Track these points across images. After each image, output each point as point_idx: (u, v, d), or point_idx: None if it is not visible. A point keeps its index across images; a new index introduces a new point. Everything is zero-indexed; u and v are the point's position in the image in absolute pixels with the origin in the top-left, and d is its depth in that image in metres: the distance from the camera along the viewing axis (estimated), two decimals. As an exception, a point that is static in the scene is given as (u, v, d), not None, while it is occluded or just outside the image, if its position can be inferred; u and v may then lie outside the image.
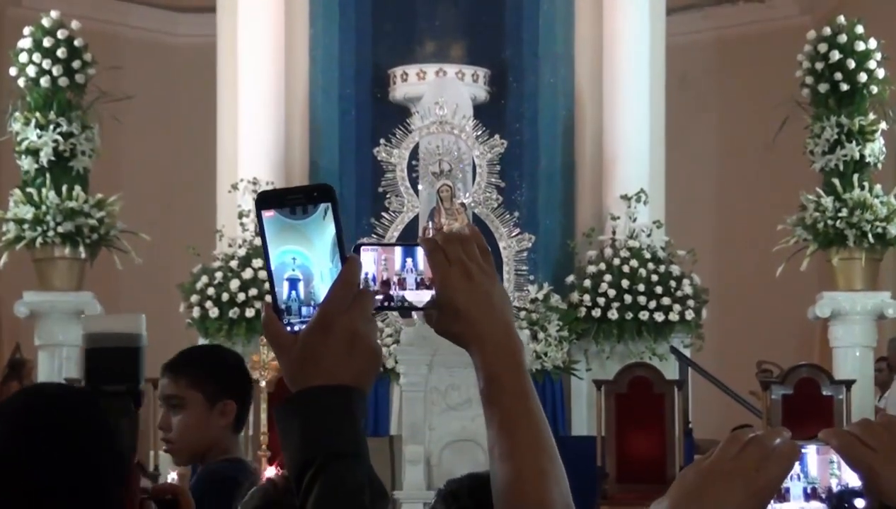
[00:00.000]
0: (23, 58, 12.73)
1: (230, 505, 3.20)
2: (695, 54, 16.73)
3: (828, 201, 12.73)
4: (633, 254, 13.24)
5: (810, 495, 1.65)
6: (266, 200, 1.78)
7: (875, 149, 12.92)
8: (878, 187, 12.86)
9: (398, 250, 1.86)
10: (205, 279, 13.00)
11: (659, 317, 13.00)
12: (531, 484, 1.78)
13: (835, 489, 1.66)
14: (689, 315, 13.17)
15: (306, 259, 1.77)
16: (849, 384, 11.69)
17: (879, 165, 13.07)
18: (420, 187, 12.30)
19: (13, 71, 12.82)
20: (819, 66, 12.96)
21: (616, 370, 12.12)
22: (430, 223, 12.03)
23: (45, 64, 12.67)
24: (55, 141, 12.62)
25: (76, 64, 12.74)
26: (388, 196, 12.36)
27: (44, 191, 12.60)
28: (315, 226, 1.76)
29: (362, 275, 1.83)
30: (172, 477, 4.00)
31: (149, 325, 2.12)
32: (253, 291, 12.67)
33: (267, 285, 1.80)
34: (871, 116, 12.97)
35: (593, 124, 14.08)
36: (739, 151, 16.61)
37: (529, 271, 12.70)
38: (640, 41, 13.86)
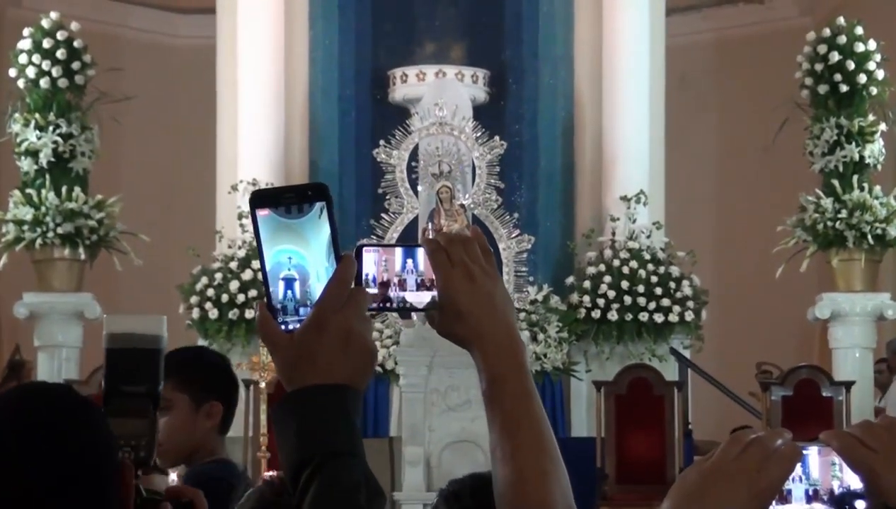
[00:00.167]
0: (22, 59, 12.73)
1: (225, 507, 3.19)
2: (694, 55, 16.72)
3: (827, 202, 12.73)
4: (633, 256, 13.23)
5: (812, 497, 1.65)
6: (261, 199, 1.78)
7: (874, 150, 12.92)
8: (877, 188, 12.86)
9: (399, 251, 1.86)
10: (204, 280, 13.00)
11: (658, 318, 13.00)
12: (533, 484, 1.78)
13: (836, 490, 1.66)
14: (689, 316, 13.16)
15: (302, 258, 1.77)
16: (848, 385, 11.69)
17: (879, 166, 13.07)
18: (420, 188, 12.30)
19: (13, 72, 12.82)
20: (819, 67, 12.96)
21: (616, 371, 12.12)
22: (430, 224, 12.03)
23: (45, 65, 12.67)
24: (55, 142, 12.62)
25: (76, 65, 12.75)
26: (387, 197, 12.36)
27: (43, 192, 12.60)
28: (311, 226, 1.76)
29: (363, 276, 1.83)
30: (172, 478, 3.98)
31: (149, 326, 2.12)
32: (253, 292, 12.67)
33: None
34: (871, 118, 12.97)
35: (593, 125, 14.07)
36: (739, 152, 16.60)
37: (529, 272, 12.69)
38: (640, 42, 13.86)
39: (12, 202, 12.70)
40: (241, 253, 12.94)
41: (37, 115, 12.67)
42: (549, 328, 12.90)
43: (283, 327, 1.77)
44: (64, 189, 12.59)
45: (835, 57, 12.89)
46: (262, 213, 1.77)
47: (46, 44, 12.70)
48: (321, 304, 1.76)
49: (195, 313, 12.91)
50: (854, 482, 1.68)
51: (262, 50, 13.82)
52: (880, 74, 12.97)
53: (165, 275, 14.14)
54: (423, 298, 1.85)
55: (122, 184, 14.28)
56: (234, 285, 12.85)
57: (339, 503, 1.70)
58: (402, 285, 1.85)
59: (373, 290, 1.83)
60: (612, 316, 13.02)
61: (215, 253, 13.25)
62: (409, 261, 1.85)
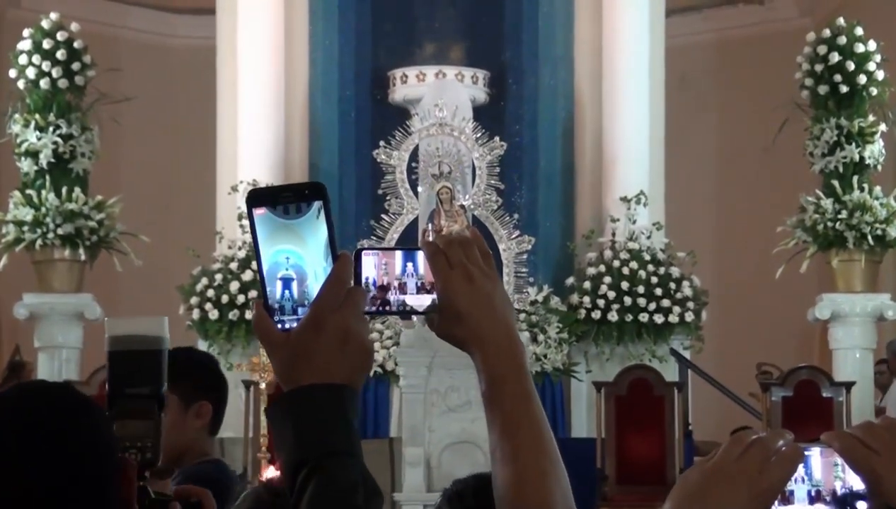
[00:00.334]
0: (22, 60, 12.73)
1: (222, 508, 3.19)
2: (694, 56, 16.73)
3: (827, 203, 12.73)
4: (633, 256, 13.24)
5: (814, 498, 1.64)
6: (258, 198, 1.77)
7: (874, 150, 12.92)
8: (877, 189, 12.86)
9: (398, 254, 1.86)
10: (204, 281, 13.00)
11: (659, 318, 13.00)
12: (533, 486, 1.78)
13: (839, 491, 1.65)
14: (689, 317, 13.17)
15: (300, 258, 1.76)
16: (849, 386, 11.69)
17: (879, 167, 13.07)
18: (420, 189, 12.30)
19: (13, 73, 12.82)
20: (819, 67, 12.97)
21: (616, 372, 12.12)
22: (430, 225, 12.02)
23: (45, 66, 12.68)
24: (55, 143, 12.62)
25: (76, 66, 12.75)
26: (387, 198, 12.35)
27: (43, 193, 12.60)
28: (309, 226, 1.76)
29: (363, 280, 1.82)
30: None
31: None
32: (253, 293, 12.67)
33: None
34: (871, 118, 12.98)
35: (593, 126, 14.08)
36: (739, 153, 16.61)
37: (529, 273, 12.69)
38: (640, 43, 13.86)
39: (12, 203, 12.70)
40: (241, 253, 12.94)
41: (37, 116, 12.67)
42: (550, 329, 12.90)
43: (280, 326, 1.77)
44: (64, 190, 12.59)
45: (835, 57, 12.89)
46: (258, 212, 1.77)
47: (46, 44, 12.70)
48: (318, 303, 1.75)
49: (195, 314, 12.91)
50: (857, 483, 1.67)
51: (261, 50, 13.82)
52: (880, 75, 12.98)
53: (165, 276, 14.14)
54: (423, 301, 1.85)
55: (121, 185, 14.28)
56: (234, 286, 12.86)
57: (337, 503, 1.70)
58: (402, 288, 1.84)
59: (372, 293, 1.83)
60: (613, 316, 13.03)
61: (215, 253, 13.25)
62: (409, 264, 1.85)
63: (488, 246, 1.88)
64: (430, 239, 1.96)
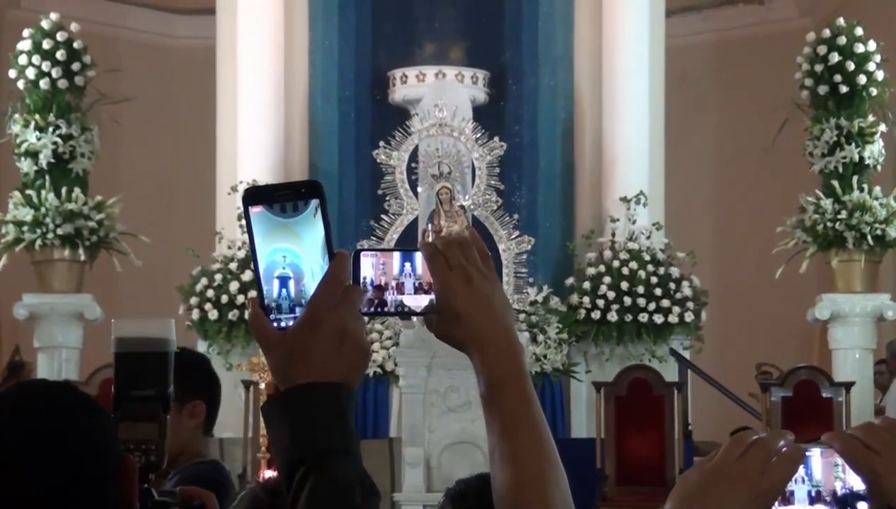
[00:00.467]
0: (22, 60, 12.73)
1: (220, 509, 3.19)
2: (694, 56, 16.73)
3: (827, 203, 12.73)
4: (633, 256, 13.24)
5: (815, 498, 1.64)
6: (254, 196, 1.77)
7: (874, 151, 12.92)
8: (877, 189, 12.86)
9: (396, 255, 1.86)
10: (204, 281, 13.00)
11: (658, 319, 13.00)
12: (532, 487, 1.78)
13: (839, 492, 1.65)
14: (689, 317, 13.17)
15: (297, 257, 1.76)
16: (848, 386, 11.69)
17: (879, 167, 13.07)
18: (419, 189, 12.29)
19: (13, 73, 12.81)
20: (818, 68, 12.96)
21: (615, 372, 12.11)
22: (430, 225, 12.02)
23: (45, 66, 12.67)
24: (54, 143, 12.61)
25: (75, 66, 12.74)
26: (387, 198, 12.35)
27: (43, 193, 12.60)
28: (306, 224, 1.76)
29: (361, 280, 1.82)
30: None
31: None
32: (252, 294, 12.64)
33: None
34: (871, 118, 12.97)
35: (593, 126, 14.08)
36: (739, 153, 16.61)
37: (529, 273, 12.69)
38: (640, 43, 13.86)
39: (12, 203, 12.69)
40: (241, 254, 12.94)
41: (37, 116, 12.67)
42: (549, 329, 12.90)
43: (276, 325, 1.77)
44: (64, 190, 12.59)
45: (835, 58, 12.89)
46: (255, 211, 1.76)
47: (46, 45, 12.70)
48: (315, 302, 1.75)
49: (195, 314, 12.91)
50: (857, 483, 1.67)
51: (261, 51, 13.82)
52: (880, 75, 12.97)
53: (165, 276, 14.13)
54: (420, 302, 1.84)
55: (121, 185, 14.28)
56: (233, 286, 12.86)
57: (335, 502, 1.70)
58: (399, 289, 1.84)
59: (369, 293, 1.83)
60: (612, 317, 13.03)
61: (215, 254, 13.26)
62: (407, 264, 1.84)
63: (488, 246, 1.88)
64: (430, 239, 1.95)
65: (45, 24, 12.83)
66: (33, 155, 12.67)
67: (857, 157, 12.81)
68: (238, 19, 13.83)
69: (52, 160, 12.64)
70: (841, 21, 13.10)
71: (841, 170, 12.87)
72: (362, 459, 1.75)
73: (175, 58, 17.34)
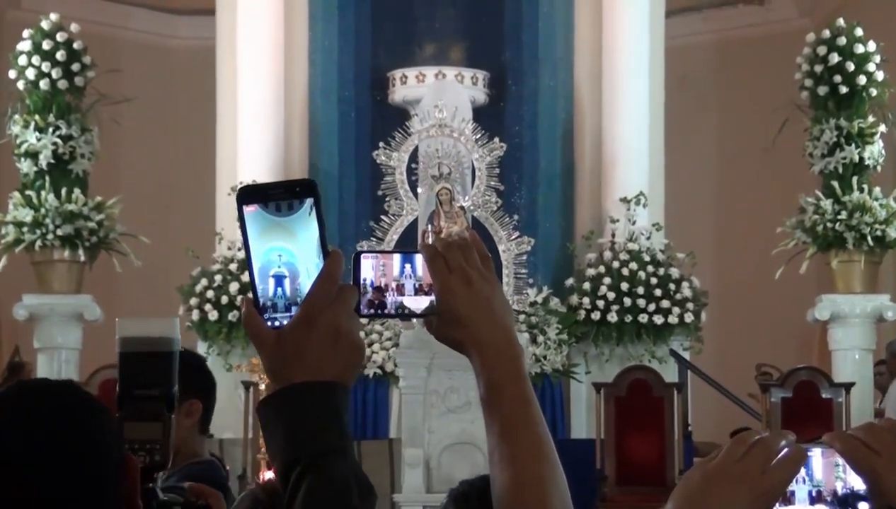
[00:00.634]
0: (22, 60, 12.73)
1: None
2: (695, 56, 16.73)
3: (827, 204, 12.73)
4: (633, 257, 13.23)
5: (816, 498, 1.64)
6: (249, 195, 1.77)
7: (874, 151, 12.92)
8: (877, 190, 12.86)
9: (397, 257, 1.85)
10: (204, 282, 13.00)
11: (658, 319, 13.00)
12: (531, 489, 1.78)
13: (840, 492, 1.65)
14: (689, 317, 13.16)
15: (292, 256, 1.76)
16: (848, 387, 11.68)
17: (878, 168, 13.07)
18: (419, 190, 12.29)
19: (13, 73, 12.82)
20: (818, 68, 12.97)
21: (615, 373, 12.11)
22: (430, 226, 12.02)
23: (45, 67, 12.67)
24: (54, 144, 12.61)
25: (75, 66, 12.74)
26: (387, 199, 12.35)
27: (43, 193, 12.60)
28: (300, 223, 1.76)
29: (361, 282, 1.82)
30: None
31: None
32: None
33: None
34: (871, 119, 12.98)
35: (593, 127, 14.07)
36: (739, 154, 16.62)
37: (529, 274, 12.69)
38: (640, 43, 13.85)
39: (12, 204, 12.70)
40: (241, 254, 12.92)
41: (36, 117, 12.67)
42: (549, 330, 12.90)
43: (271, 324, 1.76)
44: (64, 190, 12.59)
45: (834, 58, 12.89)
46: (249, 210, 1.76)
47: (46, 45, 12.70)
48: (310, 301, 1.75)
49: (195, 315, 12.91)
50: (858, 483, 1.67)
51: (261, 51, 13.82)
52: (880, 76, 12.97)
53: (165, 277, 14.13)
54: (421, 303, 1.84)
55: (121, 186, 14.28)
56: (233, 287, 12.86)
57: (332, 502, 1.70)
58: (400, 290, 1.84)
59: (369, 295, 1.83)
60: (612, 317, 13.03)
61: (215, 254, 13.25)
62: (408, 265, 1.84)
63: (488, 247, 1.88)
64: (430, 240, 1.95)
65: (45, 25, 12.83)
66: (33, 155, 12.67)
67: (856, 158, 12.81)
68: (238, 20, 13.83)
69: (52, 161, 12.64)
70: (841, 21, 13.10)
71: (841, 170, 12.87)
72: (362, 460, 1.74)
73: (175, 58, 17.34)
